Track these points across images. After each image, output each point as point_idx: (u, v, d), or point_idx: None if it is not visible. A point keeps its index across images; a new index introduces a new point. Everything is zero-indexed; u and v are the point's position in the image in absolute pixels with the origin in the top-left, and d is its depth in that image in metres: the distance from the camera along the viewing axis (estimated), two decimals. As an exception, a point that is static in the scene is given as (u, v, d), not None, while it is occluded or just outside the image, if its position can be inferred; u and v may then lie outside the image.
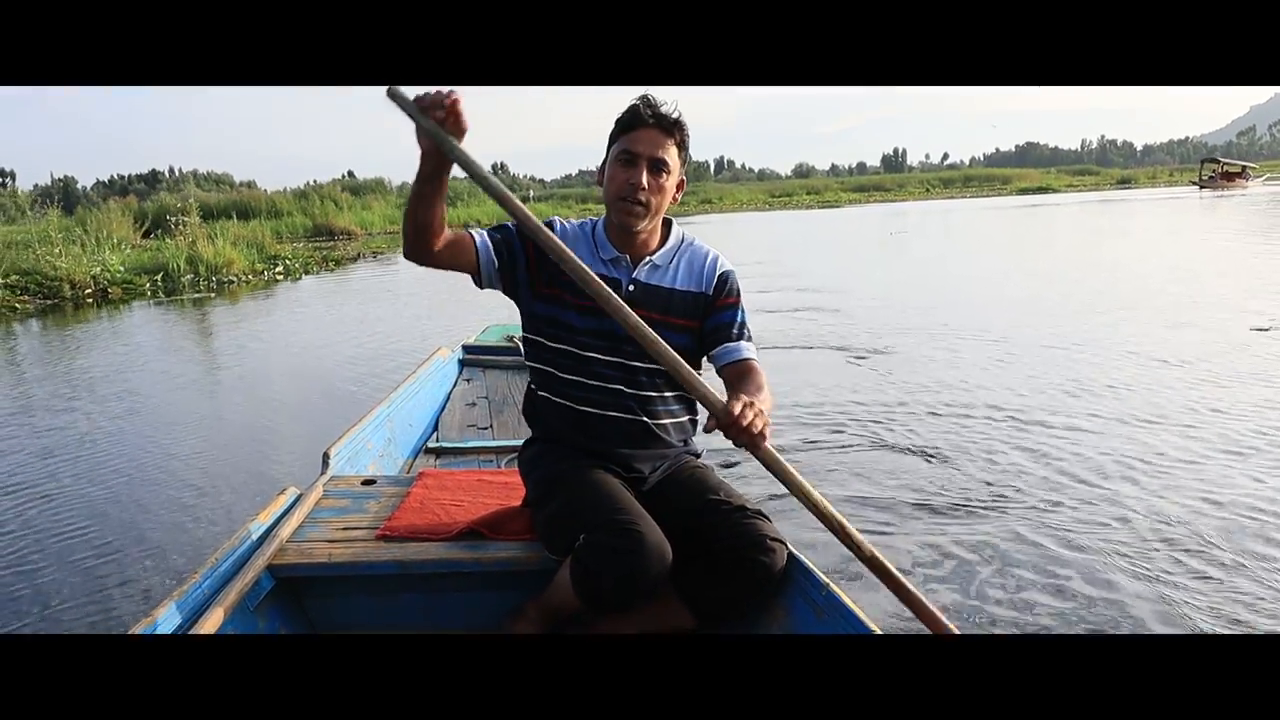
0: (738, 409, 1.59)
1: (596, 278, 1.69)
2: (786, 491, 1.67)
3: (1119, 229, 20.48)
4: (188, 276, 13.86)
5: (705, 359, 2.07)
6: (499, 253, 1.95)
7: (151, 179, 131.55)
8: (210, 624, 1.71)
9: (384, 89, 1.58)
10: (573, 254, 1.69)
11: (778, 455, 1.66)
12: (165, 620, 1.70)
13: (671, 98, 1.93)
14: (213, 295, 12.59)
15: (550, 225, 1.92)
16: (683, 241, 2.06)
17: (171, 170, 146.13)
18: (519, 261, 1.97)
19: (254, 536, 2.10)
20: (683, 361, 1.70)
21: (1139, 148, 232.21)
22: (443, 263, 1.90)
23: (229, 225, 17.58)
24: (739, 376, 1.97)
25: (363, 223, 31.10)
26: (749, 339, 2.05)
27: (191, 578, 1.86)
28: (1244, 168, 47.02)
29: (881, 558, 1.63)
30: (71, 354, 7.96)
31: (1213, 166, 47.26)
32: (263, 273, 15.21)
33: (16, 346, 8.73)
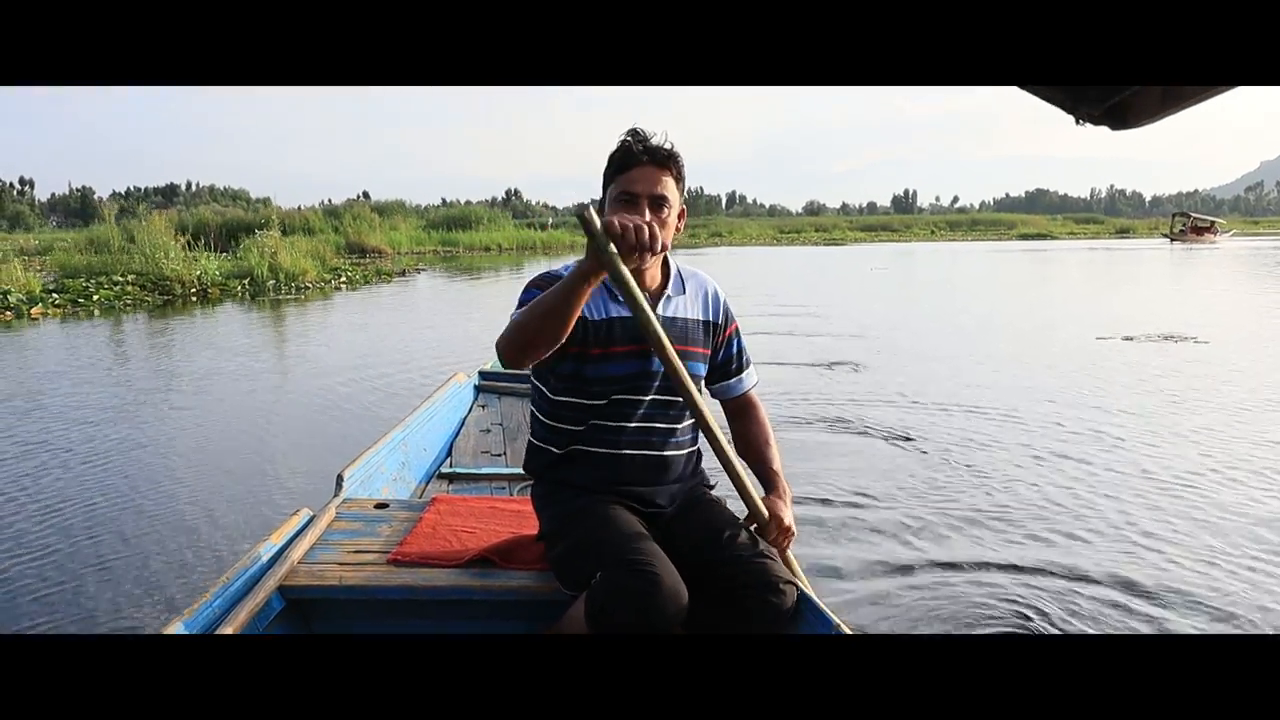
0: (780, 523, 1.97)
1: (656, 324, 1.78)
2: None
3: (1068, 275, 23.02)
4: (270, 282, 16.48)
5: (716, 390, 2.18)
6: None
7: (169, 192, 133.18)
8: None
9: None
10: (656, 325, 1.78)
11: (791, 556, 2.03)
12: None
13: (661, 129, 1.94)
14: (301, 297, 15.19)
15: (554, 276, 1.95)
16: (681, 271, 2.09)
17: (189, 184, 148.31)
18: None
19: (266, 557, 2.12)
20: (727, 444, 1.94)
21: (1148, 198, 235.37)
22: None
23: (297, 240, 20.25)
24: (741, 412, 2.19)
25: (392, 242, 32.95)
26: (749, 363, 2.19)
27: (203, 596, 1.87)
28: (1212, 223, 49.56)
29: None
30: (195, 338, 10.54)
31: (1183, 220, 49.76)
32: (330, 281, 17.84)
33: (156, 331, 11.28)
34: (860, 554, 3.35)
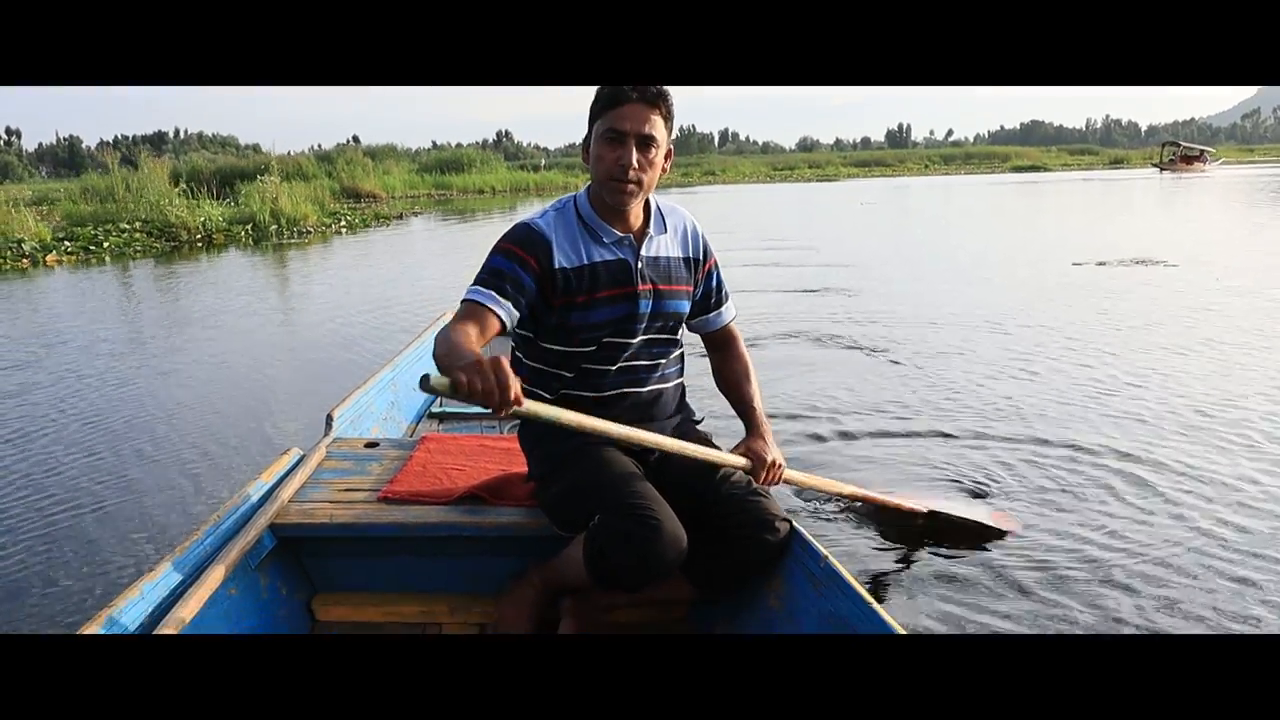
0: (766, 464, 1.97)
1: (606, 424, 1.70)
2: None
3: (1056, 205, 23.41)
4: (273, 227, 16.87)
5: (696, 324, 2.17)
6: (517, 304, 1.86)
7: (157, 140, 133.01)
8: (212, 580, 1.72)
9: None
10: (595, 420, 1.68)
11: (795, 474, 2.04)
12: (168, 575, 1.72)
13: None
14: (303, 242, 15.60)
15: (530, 229, 1.91)
16: (661, 208, 2.05)
17: (177, 131, 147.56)
18: (533, 293, 1.89)
19: (257, 496, 2.12)
20: (698, 447, 1.90)
21: (1143, 128, 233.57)
22: None
23: (296, 185, 20.56)
24: (720, 345, 2.21)
25: (386, 186, 32.89)
26: (727, 297, 2.18)
27: (194, 534, 1.87)
28: (1202, 151, 49.24)
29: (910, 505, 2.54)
30: (206, 281, 10.99)
31: (1173, 149, 49.55)
32: (330, 225, 18.22)
33: (168, 275, 11.72)
34: (835, 441, 3.89)
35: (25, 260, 12.37)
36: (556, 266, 1.89)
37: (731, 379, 2.17)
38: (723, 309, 2.17)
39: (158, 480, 3.59)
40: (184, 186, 17.60)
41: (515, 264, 1.87)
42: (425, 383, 1.40)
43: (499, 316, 1.81)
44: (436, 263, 12.27)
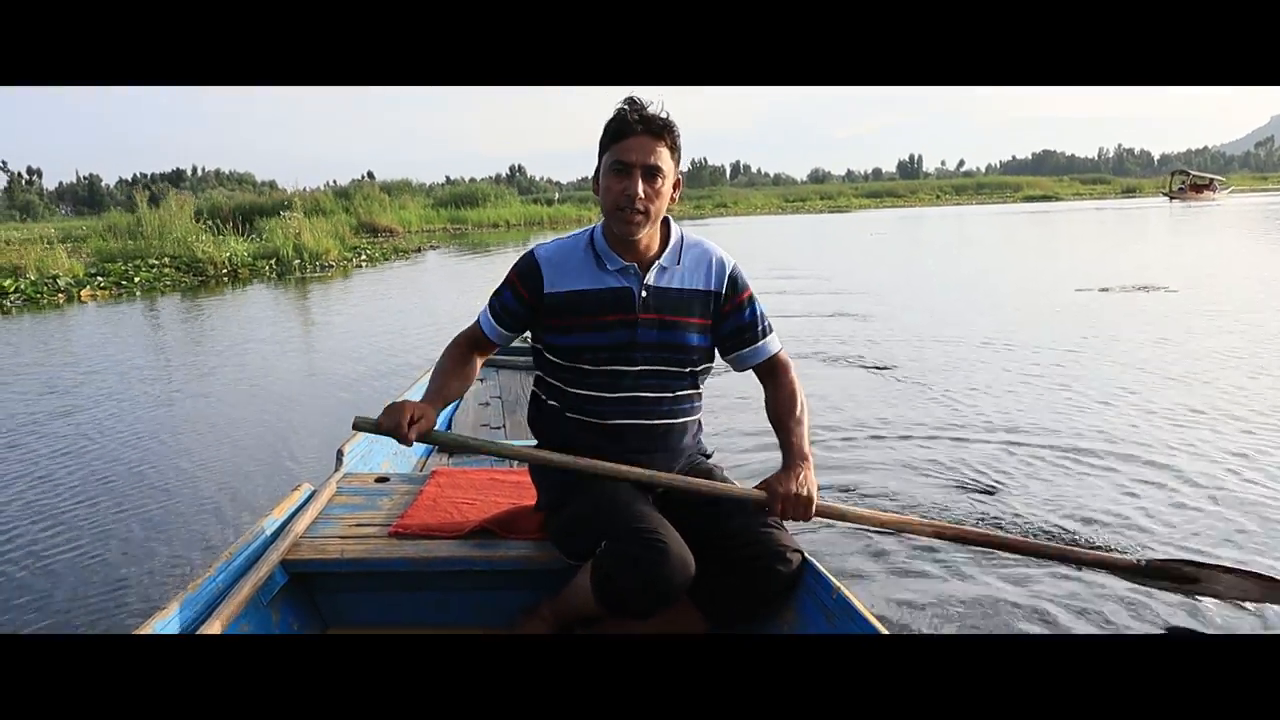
0: (780, 498, 1.88)
1: (599, 464, 1.90)
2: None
3: (1065, 235, 23.67)
4: (296, 261, 17.31)
5: (732, 360, 2.12)
6: (506, 325, 2.08)
7: (175, 177, 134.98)
8: (224, 618, 1.74)
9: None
10: (573, 458, 1.92)
11: (831, 505, 1.94)
12: (180, 613, 1.73)
13: (658, 97, 1.89)
14: (325, 275, 15.99)
15: (528, 258, 2.03)
16: (683, 239, 2.05)
17: (194, 169, 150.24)
18: (524, 316, 2.05)
19: (268, 532, 2.13)
20: (705, 481, 1.95)
21: (1156, 157, 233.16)
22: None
23: (317, 221, 21.06)
24: (767, 377, 2.14)
25: (402, 221, 33.22)
26: (770, 330, 2.12)
27: (206, 572, 1.89)
28: (1212, 180, 49.29)
29: (960, 528, 2.12)
30: (236, 315, 11.36)
31: (1182, 178, 49.74)
32: (351, 259, 18.66)
33: (198, 309, 12.12)
34: (849, 449, 4.14)
35: (61, 295, 12.81)
36: (547, 292, 1.99)
37: (777, 411, 2.11)
38: (760, 343, 2.11)
39: (181, 506, 3.74)
40: (207, 222, 18.15)
41: (511, 292, 2.06)
42: (355, 422, 1.92)
43: (488, 336, 2.11)
44: (450, 295, 12.62)
